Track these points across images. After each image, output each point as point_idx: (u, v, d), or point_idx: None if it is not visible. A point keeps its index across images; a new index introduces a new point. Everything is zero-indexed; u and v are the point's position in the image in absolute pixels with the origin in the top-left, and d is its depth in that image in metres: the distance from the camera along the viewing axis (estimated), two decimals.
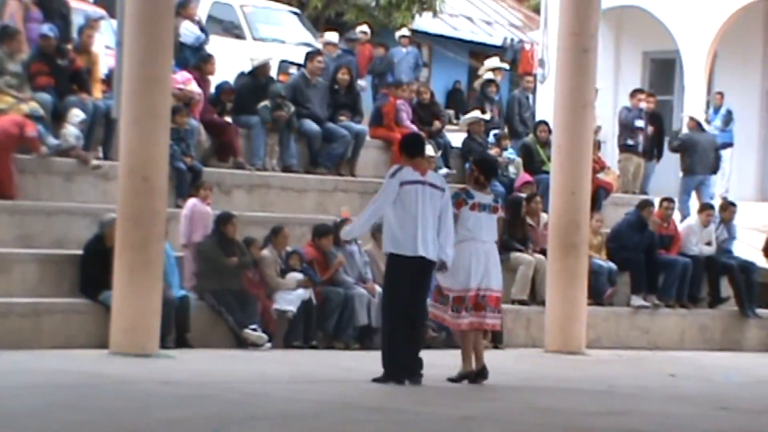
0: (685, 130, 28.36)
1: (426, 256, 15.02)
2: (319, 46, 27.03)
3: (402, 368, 15.15)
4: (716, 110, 31.26)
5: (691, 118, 27.90)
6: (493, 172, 17.39)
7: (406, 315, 15.28)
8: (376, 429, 12.21)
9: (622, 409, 14.48)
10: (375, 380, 15.00)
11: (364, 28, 28.94)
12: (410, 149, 15.75)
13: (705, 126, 28.31)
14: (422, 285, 15.46)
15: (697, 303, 23.88)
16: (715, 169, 27.79)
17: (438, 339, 18.35)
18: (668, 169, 27.83)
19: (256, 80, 23.31)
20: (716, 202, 25.83)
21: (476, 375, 15.65)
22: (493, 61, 29.45)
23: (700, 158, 27.09)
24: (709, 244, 24.13)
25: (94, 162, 20.08)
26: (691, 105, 31.91)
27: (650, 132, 27.24)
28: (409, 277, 15.17)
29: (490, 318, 15.92)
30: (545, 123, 24.62)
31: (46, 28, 21.19)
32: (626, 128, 27.42)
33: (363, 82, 27.02)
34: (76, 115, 20.09)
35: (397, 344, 15.34)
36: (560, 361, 19.61)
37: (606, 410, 14.21)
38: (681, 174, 27.54)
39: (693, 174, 27.18)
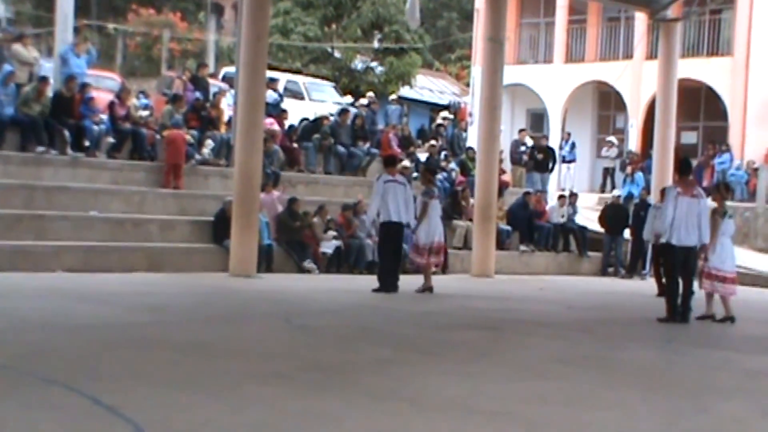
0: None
1: (399, 221, 15.71)
2: (345, 104, 26.35)
3: (386, 284, 15.70)
4: (566, 142, 31.19)
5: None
6: (435, 173, 18.50)
7: (391, 254, 15.96)
8: (375, 317, 12.70)
9: (513, 308, 14.86)
10: (373, 290, 15.56)
11: (371, 94, 28.32)
12: (386, 163, 16.81)
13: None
14: (399, 237, 15.96)
15: (555, 249, 24.32)
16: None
17: (410, 269, 17.71)
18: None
19: (313, 123, 23.48)
20: (566, 193, 25.91)
21: (429, 289, 16.11)
22: (443, 114, 30.12)
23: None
24: (563, 216, 24.58)
25: (221, 164, 20.40)
26: (553, 139, 31.91)
27: (541, 158, 26.94)
28: (393, 233, 15.83)
29: (437, 258, 16.57)
30: (472, 148, 25.13)
31: (197, 95, 22.01)
32: (515, 151, 27.86)
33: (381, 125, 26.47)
34: (210, 142, 20.56)
35: (385, 270, 15.91)
36: (479, 282, 19.78)
37: (504, 308, 14.69)
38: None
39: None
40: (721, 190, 14.46)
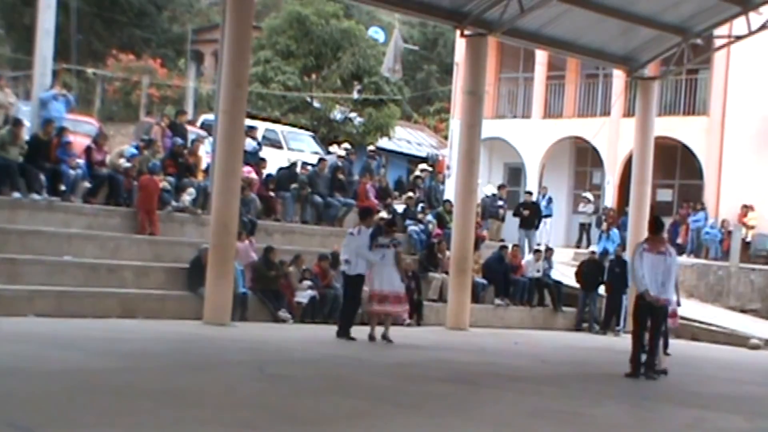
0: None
1: (359, 272, 16.43)
2: (323, 154, 26.63)
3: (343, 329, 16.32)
4: (543, 196, 31.17)
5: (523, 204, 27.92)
6: (394, 225, 18.54)
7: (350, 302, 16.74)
8: (350, 368, 12.77)
9: (488, 361, 15.07)
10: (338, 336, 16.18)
11: (347, 145, 27.87)
12: (360, 215, 17.61)
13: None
14: (352, 287, 16.64)
15: (530, 303, 24.31)
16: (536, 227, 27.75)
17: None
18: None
19: (290, 171, 23.36)
20: (542, 248, 25.61)
21: (385, 339, 16.29)
22: (422, 166, 29.94)
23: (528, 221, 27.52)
24: (538, 271, 24.58)
25: (198, 212, 20.33)
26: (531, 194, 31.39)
27: (527, 214, 27.13)
28: (348, 283, 16.69)
29: (390, 307, 16.55)
30: (449, 201, 25.06)
31: (176, 141, 21.90)
32: (491, 205, 27.69)
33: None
34: (192, 191, 20.56)
35: (344, 316, 16.65)
36: (454, 335, 19.85)
37: (479, 361, 14.89)
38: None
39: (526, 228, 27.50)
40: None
